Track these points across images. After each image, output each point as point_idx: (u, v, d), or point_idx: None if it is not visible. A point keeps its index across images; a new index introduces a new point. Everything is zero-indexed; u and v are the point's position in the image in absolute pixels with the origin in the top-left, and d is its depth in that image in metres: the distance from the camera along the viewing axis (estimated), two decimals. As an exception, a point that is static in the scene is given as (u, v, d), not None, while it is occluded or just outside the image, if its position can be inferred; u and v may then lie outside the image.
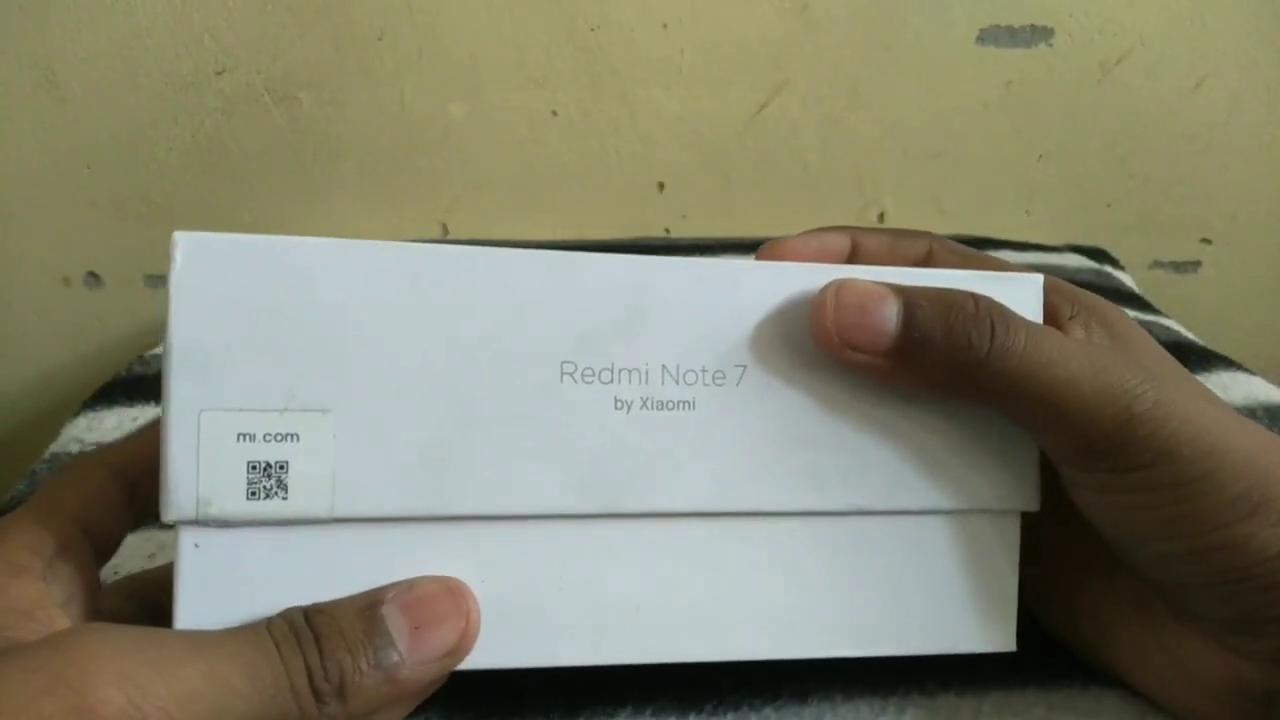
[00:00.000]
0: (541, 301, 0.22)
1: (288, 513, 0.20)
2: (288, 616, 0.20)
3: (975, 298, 0.23)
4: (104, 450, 0.24)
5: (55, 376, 0.87)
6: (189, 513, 0.20)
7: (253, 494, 0.20)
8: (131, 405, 0.44)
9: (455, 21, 0.79)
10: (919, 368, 0.23)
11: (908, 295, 0.23)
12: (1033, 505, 0.25)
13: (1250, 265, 0.89)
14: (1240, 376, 0.51)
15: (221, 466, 0.20)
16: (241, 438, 0.20)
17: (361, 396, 0.21)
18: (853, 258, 0.27)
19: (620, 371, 0.22)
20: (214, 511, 0.20)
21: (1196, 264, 0.89)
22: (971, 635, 0.25)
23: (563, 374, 0.22)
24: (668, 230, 0.86)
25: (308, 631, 0.19)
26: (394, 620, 0.20)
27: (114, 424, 0.42)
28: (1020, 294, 0.24)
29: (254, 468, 0.20)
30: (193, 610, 0.20)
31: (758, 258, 0.28)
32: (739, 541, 0.24)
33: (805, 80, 0.82)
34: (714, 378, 0.23)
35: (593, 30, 0.80)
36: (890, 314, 0.22)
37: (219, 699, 0.18)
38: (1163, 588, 0.24)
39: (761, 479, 0.23)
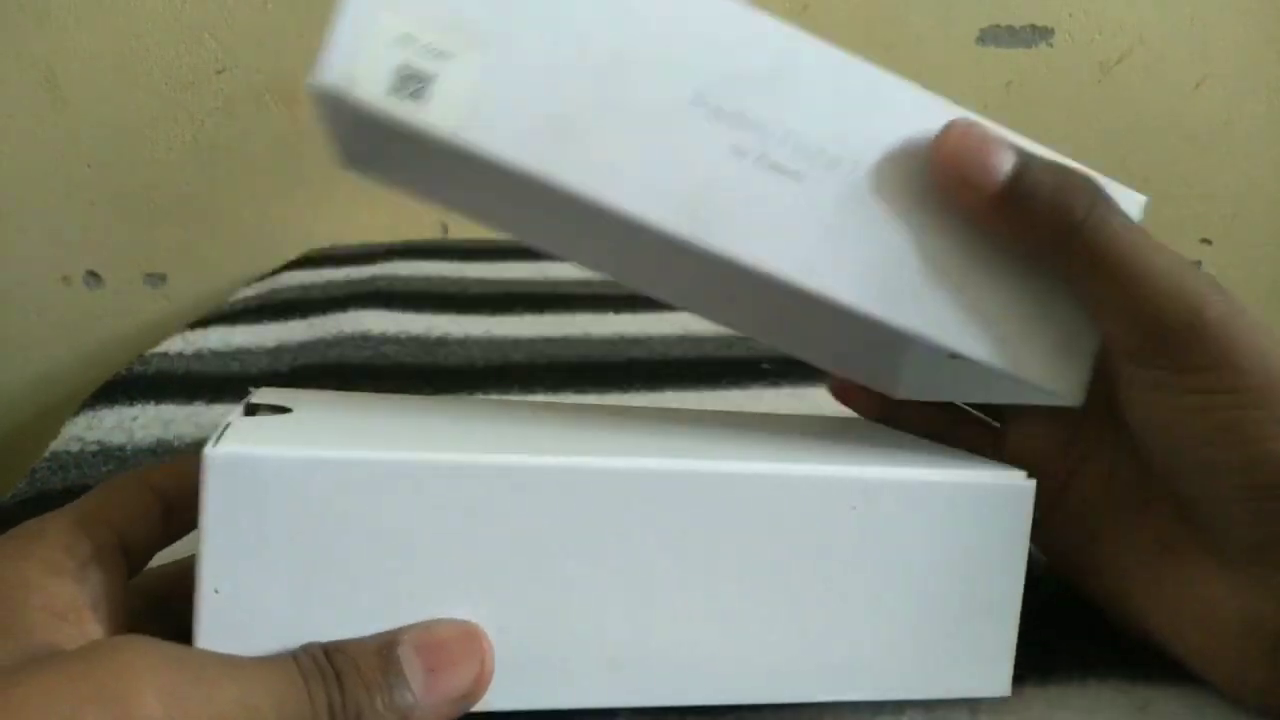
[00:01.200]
0: (698, 30, 0.23)
1: (417, 120, 0.21)
2: (310, 651, 0.20)
3: (1087, 175, 0.24)
4: (147, 469, 0.24)
5: (55, 375, 0.87)
6: (335, 80, 0.20)
7: (394, 90, 0.21)
8: (131, 405, 0.44)
9: (455, 21, 0.79)
10: (1019, 218, 0.23)
11: (1027, 154, 0.24)
12: (1077, 401, 0.25)
13: (1250, 265, 0.89)
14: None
15: (379, 56, 0.21)
16: (404, 39, 0.21)
17: (522, 48, 0.22)
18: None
19: (747, 121, 0.23)
20: (356, 91, 0.20)
21: (1197, 264, 0.89)
22: (970, 677, 0.25)
23: (695, 100, 0.23)
24: (668, 230, 0.86)
25: (329, 669, 0.19)
26: (410, 662, 0.20)
27: (114, 423, 0.42)
28: (1124, 201, 0.25)
29: (405, 69, 0.21)
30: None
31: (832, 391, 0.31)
32: (749, 585, 0.24)
33: (805, 80, 0.82)
34: (828, 162, 0.24)
35: (593, 30, 0.80)
36: (1007, 158, 0.23)
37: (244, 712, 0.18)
38: (1197, 505, 0.24)
39: (841, 268, 0.24)
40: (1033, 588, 0.28)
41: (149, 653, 0.18)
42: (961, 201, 0.24)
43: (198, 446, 0.20)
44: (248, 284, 0.70)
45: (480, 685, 0.21)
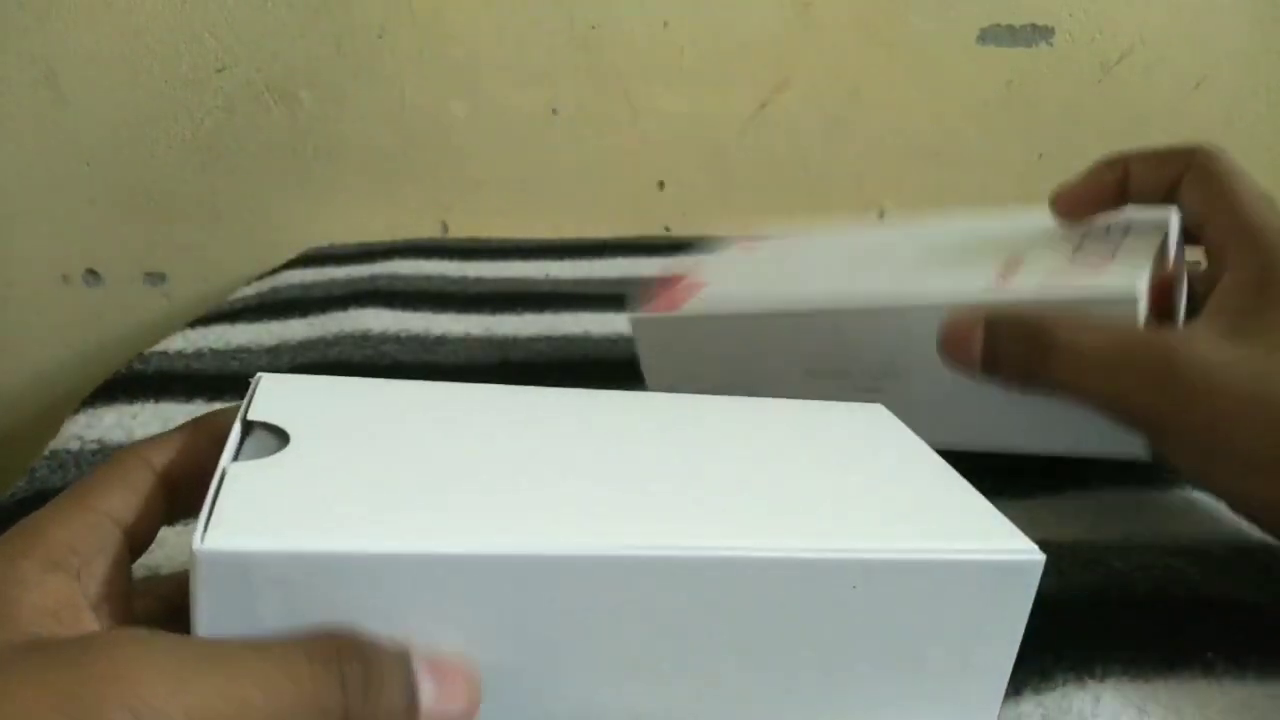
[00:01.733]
0: None
1: None
2: (329, 632, 0.19)
3: (1047, 328, 0.29)
4: (145, 446, 0.24)
5: (54, 373, 0.87)
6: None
7: None
8: (131, 403, 0.44)
9: (456, 19, 0.79)
10: (1000, 377, 0.30)
11: (992, 327, 0.30)
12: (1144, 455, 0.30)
13: (1250, 265, 0.89)
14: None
15: None
16: None
17: None
18: (1124, 184, 0.34)
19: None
20: None
21: (1197, 263, 0.89)
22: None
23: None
24: (668, 228, 0.86)
25: (350, 648, 0.19)
26: (421, 672, 0.20)
27: (113, 421, 0.42)
28: (1118, 309, 0.29)
29: None
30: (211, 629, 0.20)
31: (1053, 205, 0.35)
32: (745, 662, 0.23)
33: (806, 79, 0.82)
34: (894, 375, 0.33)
35: (593, 28, 0.80)
36: (974, 349, 0.30)
37: (263, 712, 0.18)
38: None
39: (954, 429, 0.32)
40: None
41: (154, 641, 0.18)
42: (968, 374, 0.31)
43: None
44: (247, 282, 0.70)
45: (473, 710, 0.21)
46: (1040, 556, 0.24)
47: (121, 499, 0.22)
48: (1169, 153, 0.33)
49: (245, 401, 0.24)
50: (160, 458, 0.24)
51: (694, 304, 0.40)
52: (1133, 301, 0.29)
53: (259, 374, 0.26)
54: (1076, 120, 0.84)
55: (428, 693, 0.20)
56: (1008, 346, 0.30)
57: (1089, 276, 0.31)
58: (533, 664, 0.22)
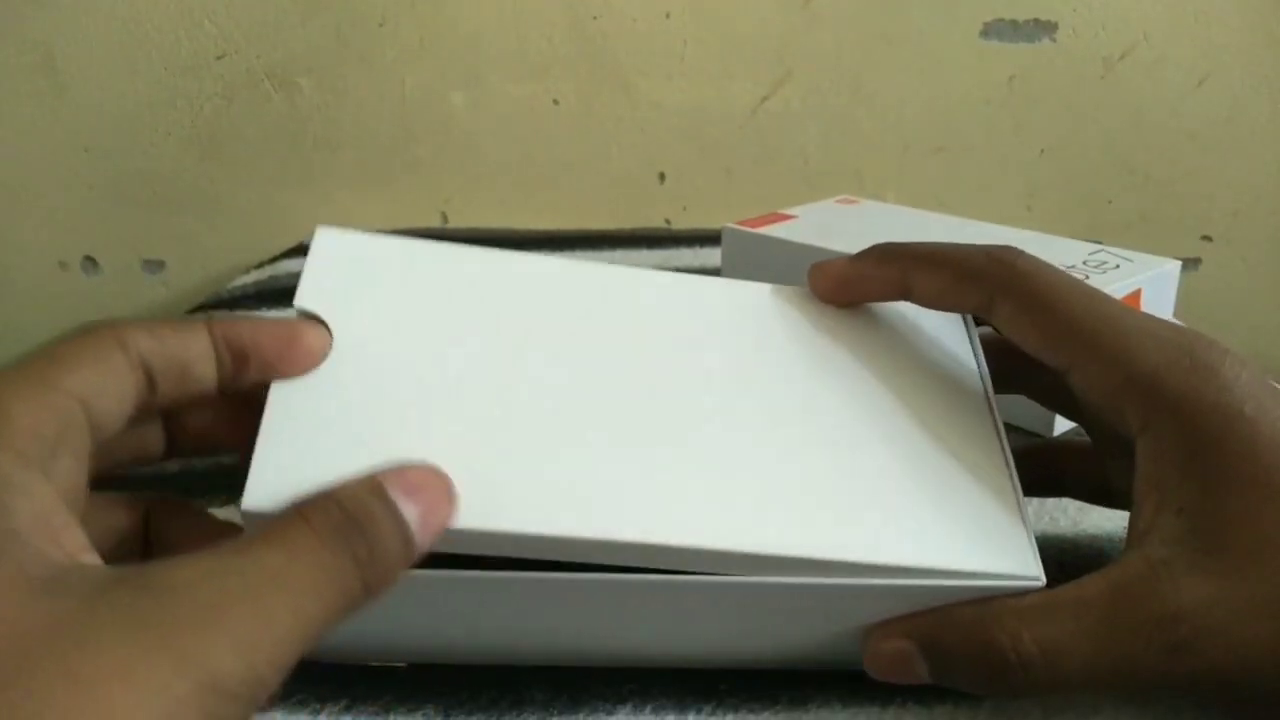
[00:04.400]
0: None
1: None
2: (319, 507, 0.19)
3: (1000, 646, 0.23)
4: (123, 326, 0.22)
5: (52, 361, 0.86)
6: None
7: None
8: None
9: (457, 9, 0.79)
10: (963, 688, 0.24)
11: (931, 648, 0.24)
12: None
13: (1251, 263, 0.89)
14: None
15: None
16: None
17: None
18: (905, 295, 0.28)
19: None
20: None
21: (1197, 261, 0.89)
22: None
23: None
24: (668, 221, 0.86)
25: (346, 520, 0.19)
26: (402, 501, 0.20)
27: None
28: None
29: None
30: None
31: (810, 281, 0.29)
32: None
33: (807, 73, 0.82)
34: None
35: (595, 19, 0.80)
36: (921, 672, 0.24)
37: (304, 630, 0.18)
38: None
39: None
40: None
41: (217, 567, 0.17)
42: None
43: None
44: (246, 271, 0.70)
45: (454, 508, 0.21)
46: (1038, 581, 0.24)
47: (89, 378, 0.20)
48: (962, 271, 0.26)
49: (303, 272, 0.25)
50: (141, 342, 0.22)
51: (776, 229, 0.48)
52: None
53: (318, 228, 0.26)
54: (1079, 116, 0.84)
55: (413, 517, 0.20)
56: (963, 668, 0.23)
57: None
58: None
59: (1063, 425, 0.39)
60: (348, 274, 0.26)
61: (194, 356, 0.22)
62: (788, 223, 0.51)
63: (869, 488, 0.25)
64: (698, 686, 0.26)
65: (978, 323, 0.30)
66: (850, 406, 0.26)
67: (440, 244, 0.27)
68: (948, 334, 0.29)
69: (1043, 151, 0.85)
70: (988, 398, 0.28)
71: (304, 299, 0.25)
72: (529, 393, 0.24)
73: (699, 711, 0.26)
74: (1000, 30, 0.82)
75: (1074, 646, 0.22)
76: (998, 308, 0.26)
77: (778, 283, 0.29)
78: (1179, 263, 0.44)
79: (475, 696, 0.26)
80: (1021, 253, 0.26)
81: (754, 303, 0.29)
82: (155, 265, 0.85)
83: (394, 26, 0.79)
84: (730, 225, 0.51)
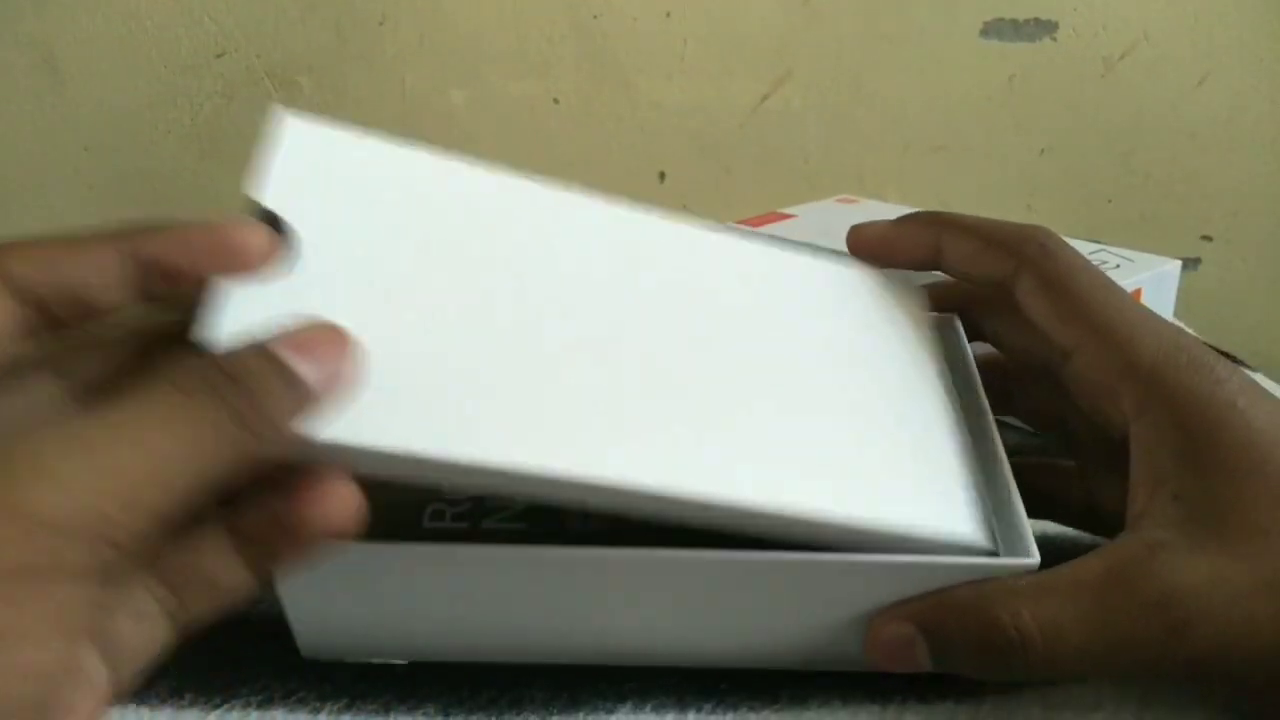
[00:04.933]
0: None
1: None
2: (189, 367, 0.18)
3: (1001, 623, 0.23)
4: (128, 231, 0.21)
5: (52, 359, 0.86)
6: None
7: None
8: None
9: (457, 7, 0.79)
10: (963, 673, 0.24)
11: (932, 630, 0.24)
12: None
13: (1251, 263, 0.89)
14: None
15: None
16: None
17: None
18: (936, 258, 0.29)
19: None
20: None
21: (1197, 261, 0.89)
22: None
23: None
24: (668, 220, 0.85)
25: (220, 375, 0.18)
26: (288, 355, 0.19)
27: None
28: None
29: None
30: None
31: (849, 240, 0.30)
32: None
33: (808, 72, 0.82)
34: None
35: (595, 18, 0.80)
36: (922, 657, 0.24)
37: (157, 471, 0.17)
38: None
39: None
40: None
41: (56, 428, 0.17)
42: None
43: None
44: (246, 270, 0.69)
45: (354, 364, 0.20)
46: (1032, 561, 0.24)
47: (77, 270, 0.20)
48: (994, 238, 0.28)
49: (266, 165, 0.23)
50: (20, 266, 0.20)
51: (777, 229, 0.49)
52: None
53: (286, 116, 0.24)
54: (1079, 116, 0.84)
55: (309, 372, 0.19)
56: (964, 649, 0.23)
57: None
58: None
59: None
60: (315, 173, 0.24)
61: (95, 279, 0.20)
62: (788, 222, 0.51)
63: (858, 453, 0.25)
64: (698, 686, 0.26)
65: (976, 338, 0.31)
66: (839, 372, 0.26)
67: (417, 150, 0.26)
68: (928, 329, 0.30)
69: (1043, 151, 0.85)
70: (978, 390, 0.28)
71: (264, 195, 0.22)
72: (492, 316, 0.23)
73: (699, 710, 0.26)
74: (1000, 29, 0.82)
75: (1072, 627, 0.22)
76: (1020, 279, 0.27)
77: None
78: (1179, 262, 0.44)
79: (475, 695, 0.26)
80: (1051, 233, 0.27)
81: (744, 256, 0.29)
82: (155, 263, 0.85)
83: (394, 25, 0.79)
84: (731, 225, 0.51)
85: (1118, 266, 0.43)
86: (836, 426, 0.25)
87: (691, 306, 0.26)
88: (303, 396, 0.19)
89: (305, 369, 0.19)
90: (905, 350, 0.28)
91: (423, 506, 0.27)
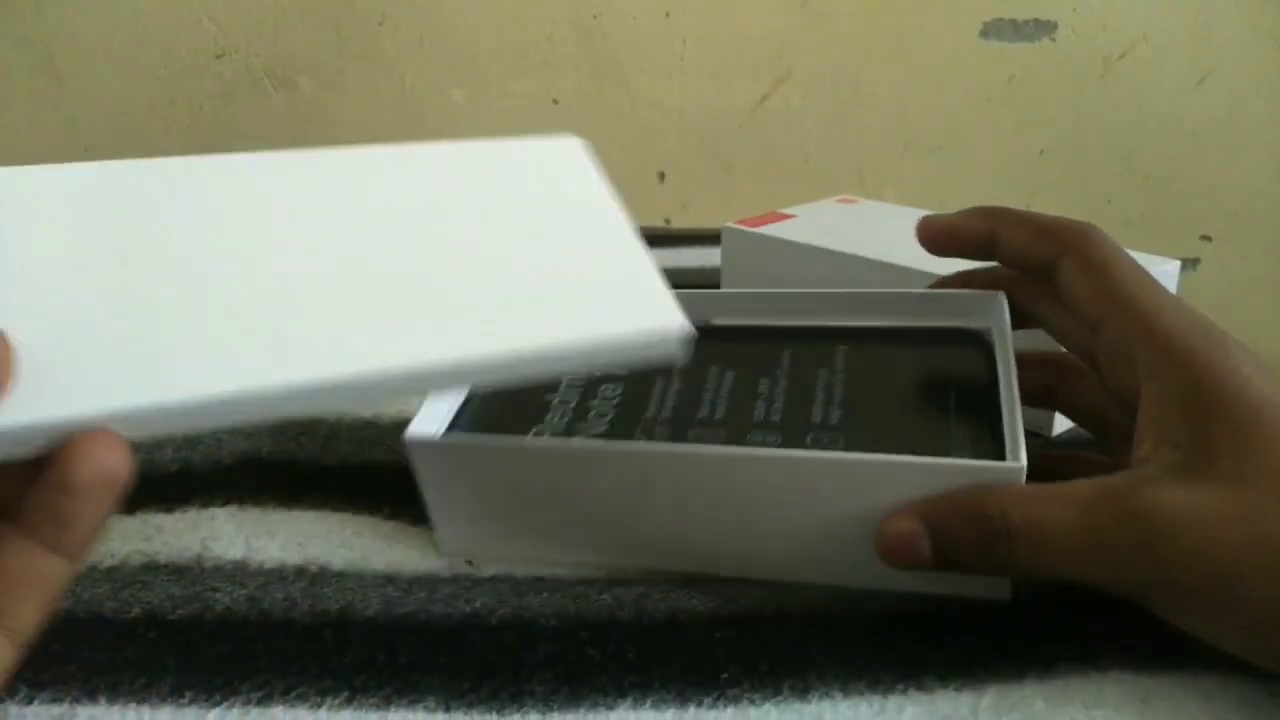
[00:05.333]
0: None
1: None
2: None
3: (998, 514, 0.26)
4: None
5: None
6: None
7: None
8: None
9: (457, 7, 0.79)
10: (961, 569, 0.27)
11: (934, 524, 0.26)
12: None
13: (1250, 262, 0.89)
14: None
15: None
16: None
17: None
18: (993, 245, 0.32)
19: None
20: None
21: (1196, 261, 0.89)
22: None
23: None
24: (668, 220, 0.86)
25: None
26: None
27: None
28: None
29: None
30: None
31: (918, 231, 0.33)
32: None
33: (807, 72, 0.82)
34: None
35: (595, 18, 0.80)
36: (925, 550, 0.26)
37: None
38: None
39: None
40: (1034, 580, 0.28)
41: None
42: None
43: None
44: (246, 270, 0.70)
45: (4, 352, 0.21)
46: (1019, 466, 0.25)
47: None
48: (1046, 228, 0.31)
49: None
50: None
51: (777, 229, 0.48)
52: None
53: None
54: (1079, 116, 0.84)
55: None
56: (960, 540, 0.26)
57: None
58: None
59: (1061, 425, 0.39)
60: None
61: None
62: (787, 222, 0.51)
63: (530, 277, 0.25)
64: (698, 678, 0.26)
65: (1023, 324, 0.33)
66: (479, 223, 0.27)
67: (64, 166, 0.26)
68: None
69: (1042, 151, 0.85)
70: (1010, 362, 0.30)
71: None
72: (117, 278, 0.24)
73: (700, 704, 0.26)
74: (1000, 30, 0.82)
75: (1055, 528, 0.25)
76: (1063, 262, 0.30)
77: (779, 286, 0.30)
78: (1178, 262, 0.44)
79: (476, 690, 0.26)
80: (1096, 227, 0.30)
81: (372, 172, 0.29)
82: (155, 264, 0.85)
83: (394, 24, 0.79)
84: (730, 224, 0.51)
85: None
86: (496, 267, 0.25)
87: (319, 227, 0.27)
88: None
89: None
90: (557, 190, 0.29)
91: (525, 430, 0.30)
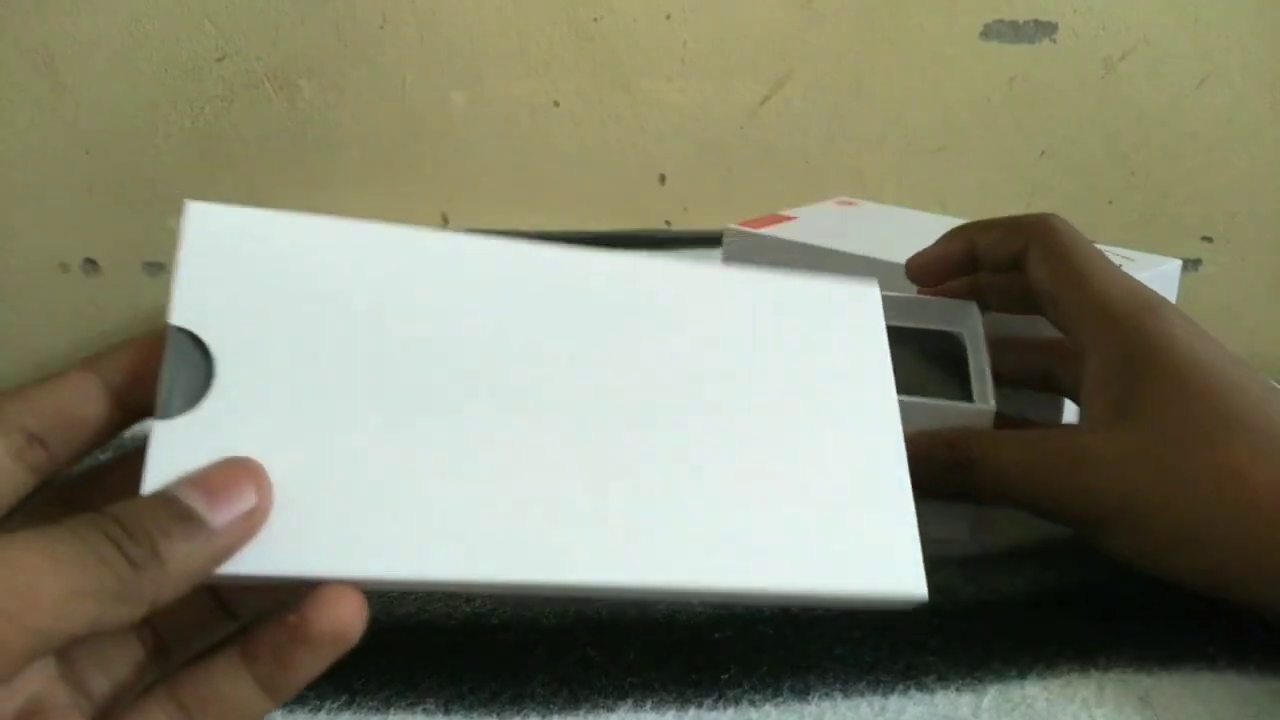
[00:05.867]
0: None
1: None
2: (83, 517, 0.20)
3: (963, 445, 0.31)
4: (90, 358, 0.24)
5: (53, 363, 0.87)
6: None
7: None
8: (130, 392, 0.43)
9: (457, 9, 0.79)
10: (921, 489, 0.27)
11: (912, 450, 0.27)
12: (918, 592, 0.24)
13: (1251, 264, 0.89)
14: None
15: None
16: None
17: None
18: (974, 255, 0.36)
19: None
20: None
21: (1197, 262, 0.89)
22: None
23: None
24: (669, 223, 0.86)
25: (104, 518, 0.19)
26: (186, 493, 0.20)
27: (112, 411, 0.42)
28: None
29: None
30: None
31: (908, 272, 0.37)
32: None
33: (808, 73, 0.82)
34: None
35: (595, 20, 0.80)
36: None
37: (28, 586, 0.18)
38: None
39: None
40: (1035, 579, 0.28)
41: None
42: None
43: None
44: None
45: (264, 499, 0.21)
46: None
47: (51, 404, 0.23)
48: (1012, 224, 0.35)
49: (176, 274, 0.23)
50: (108, 369, 0.23)
51: (778, 230, 0.50)
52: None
53: (189, 205, 0.24)
54: (1079, 117, 0.84)
55: (200, 503, 0.20)
56: (930, 464, 0.30)
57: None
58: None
59: (1070, 413, 0.39)
60: (227, 273, 0.23)
61: (75, 401, 0.23)
62: (789, 224, 0.51)
63: (798, 518, 0.24)
64: (699, 679, 0.26)
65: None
66: (774, 421, 0.25)
67: (334, 221, 0.26)
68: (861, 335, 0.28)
69: (1043, 152, 0.85)
70: (985, 368, 0.33)
71: (181, 313, 0.22)
72: (416, 408, 0.23)
73: (700, 705, 0.26)
74: (1000, 31, 0.82)
75: (1008, 462, 0.30)
76: (1030, 251, 0.34)
77: None
78: (1179, 261, 0.44)
79: (475, 691, 0.26)
80: (1059, 217, 0.35)
81: (674, 291, 0.26)
82: (155, 267, 0.85)
83: (394, 26, 0.79)
84: (731, 226, 0.51)
85: (1120, 265, 0.44)
86: (773, 490, 0.24)
87: (617, 367, 0.25)
88: (204, 537, 0.20)
89: (208, 511, 0.20)
90: (846, 372, 0.27)
91: None
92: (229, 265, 0.23)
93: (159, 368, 0.22)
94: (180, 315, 0.22)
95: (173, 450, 0.21)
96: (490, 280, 0.25)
